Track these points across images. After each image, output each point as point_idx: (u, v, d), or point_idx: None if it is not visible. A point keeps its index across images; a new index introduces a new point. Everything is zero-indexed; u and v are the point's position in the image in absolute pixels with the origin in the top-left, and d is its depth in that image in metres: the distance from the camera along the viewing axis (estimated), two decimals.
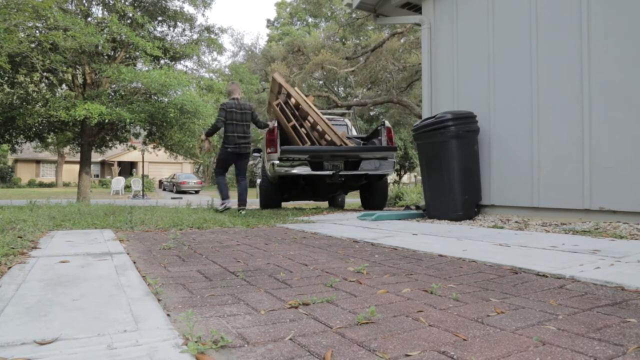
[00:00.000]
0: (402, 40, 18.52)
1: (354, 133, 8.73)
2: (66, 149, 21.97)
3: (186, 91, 13.65)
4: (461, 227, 3.84)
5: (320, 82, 23.49)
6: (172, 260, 2.24)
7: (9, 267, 1.93)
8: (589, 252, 2.36)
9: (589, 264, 2.01)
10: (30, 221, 3.78)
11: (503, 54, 4.56)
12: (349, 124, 8.86)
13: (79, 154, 14.64)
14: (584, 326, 1.17)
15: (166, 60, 14.83)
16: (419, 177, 26.56)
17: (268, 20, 37.13)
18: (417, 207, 5.73)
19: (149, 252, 2.47)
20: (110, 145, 16.23)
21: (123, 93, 13.98)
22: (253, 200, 18.42)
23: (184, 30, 15.35)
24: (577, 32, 3.90)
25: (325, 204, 10.11)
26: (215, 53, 16.86)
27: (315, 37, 23.49)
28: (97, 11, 13.96)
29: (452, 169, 4.42)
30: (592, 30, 3.80)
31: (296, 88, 7.04)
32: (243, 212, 5.61)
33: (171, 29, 15.14)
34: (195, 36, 15.39)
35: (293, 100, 6.91)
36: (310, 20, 33.49)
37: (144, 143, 19.10)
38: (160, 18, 14.62)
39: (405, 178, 33.90)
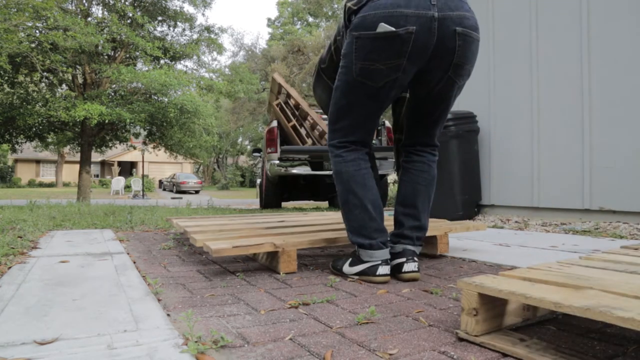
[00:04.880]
0: None
1: None
2: (66, 149, 21.99)
3: (186, 91, 13.65)
4: None
5: None
6: (172, 260, 2.24)
7: (9, 267, 1.93)
8: (589, 252, 2.36)
9: None
10: (30, 221, 3.78)
11: (503, 53, 4.56)
12: None
13: (79, 154, 14.64)
14: (583, 326, 1.18)
15: (166, 60, 14.83)
16: None
17: (269, 19, 37.09)
18: None
19: (149, 252, 2.47)
20: (110, 145, 16.22)
21: (123, 93, 13.98)
22: (253, 200, 18.43)
23: (184, 30, 15.35)
24: (577, 31, 3.90)
25: (325, 204, 10.11)
26: (215, 53, 16.87)
27: (316, 36, 23.48)
28: (97, 11, 13.97)
29: (452, 169, 4.42)
30: (592, 29, 3.80)
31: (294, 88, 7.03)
32: None
33: (171, 28, 15.15)
34: (195, 36, 15.39)
35: (293, 100, 6.91)
36: (310, 20, 33.48)
37: (144, 143, 19.11)
38: (160, 18, 14.62)
39: None
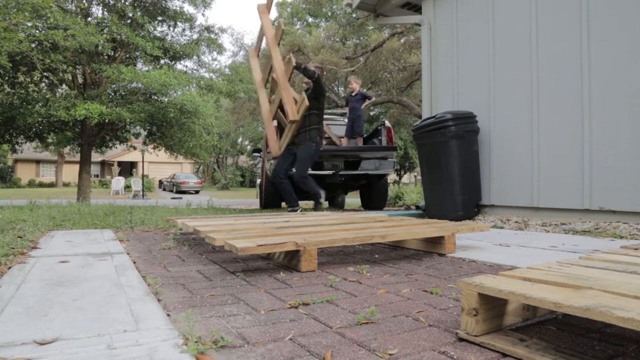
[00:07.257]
0: (402, 40, 18.50)
1: None
2: (66, 149, 21.95)
3: (186, 91, 13.64)
4: None
5: None
6: (172, 260, 2.24)
7: (9, 267, 1.93)
8: (588, 252, 2.36)
9: None
10: (30, 221, 3.78)
11: (503, 53, 4.56)
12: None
13: (79, 154, 14.63)
14: (583, 326, 1.18)
15: (166, 60, 14.82)
16: (419, 177, 26.55)
17: None
18: (417, 207, 5.73)
19: (149, 252, 2.47)
20: (110, 145, 16.21)
21: (123, 93, 13.96)
22: (253, 200, 18.41)
23: (184, 30, 15.33)
24: (577, 32, 3.89)
25: (325, 204, 10.11)
26: (215, 53, 16.83)
27: (315, 36, 23.48)
28: (97, 11, 13.96)
29: (452, 169, 4.42)
30: (592, 30, 3.80)
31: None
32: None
33: (171, 28, 15.13)
34: (195, 36, 15.37)
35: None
36: (310, 20, 33.47)
37: (144, 143, 19.10)
38: (160, 18, 14.60)
39: (405, 178, 33.89)
